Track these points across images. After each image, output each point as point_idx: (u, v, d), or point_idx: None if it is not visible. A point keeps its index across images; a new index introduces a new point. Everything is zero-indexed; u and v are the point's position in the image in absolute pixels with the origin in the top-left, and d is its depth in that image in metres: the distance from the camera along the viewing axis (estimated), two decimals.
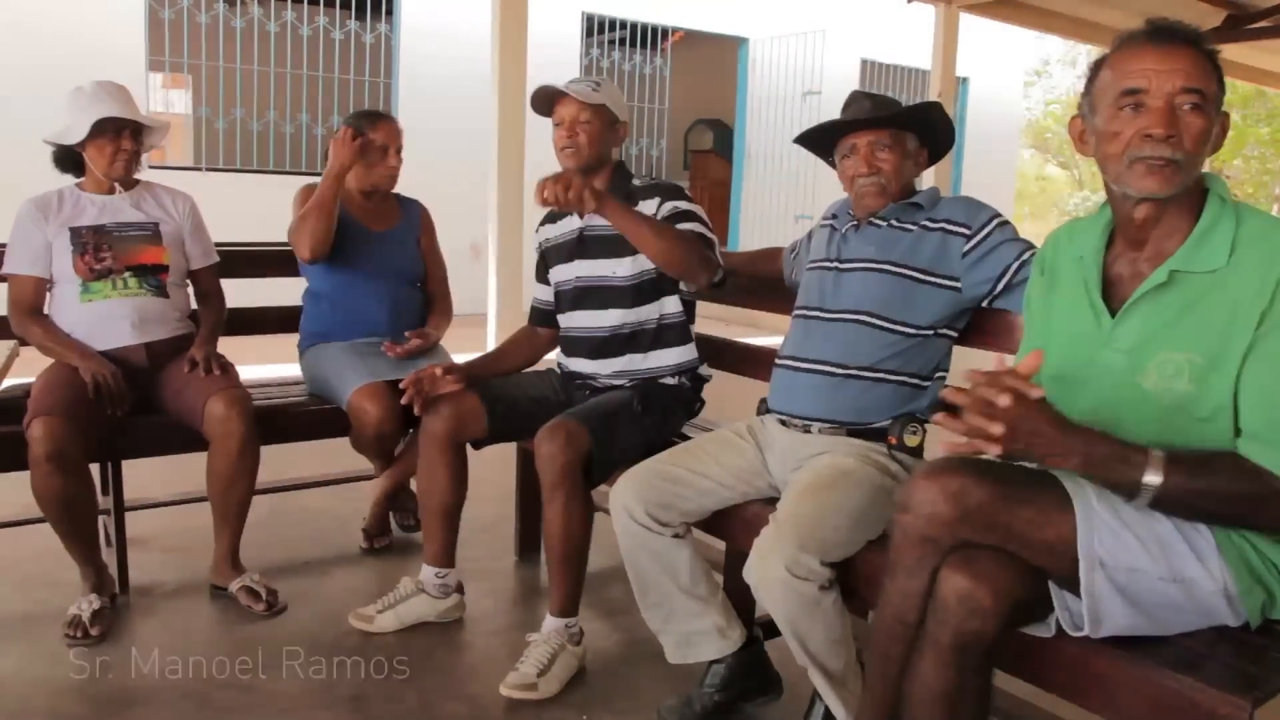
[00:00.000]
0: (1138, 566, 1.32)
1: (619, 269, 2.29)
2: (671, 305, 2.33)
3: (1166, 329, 1.37)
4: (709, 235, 2.20)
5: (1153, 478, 1.27)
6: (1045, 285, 1.57)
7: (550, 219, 2.48)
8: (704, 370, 2.43)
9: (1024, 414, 1.28)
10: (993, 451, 1.29)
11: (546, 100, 2.31)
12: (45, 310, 2.47)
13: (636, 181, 2.34)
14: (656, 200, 2.26)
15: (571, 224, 2.40)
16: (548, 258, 2.47)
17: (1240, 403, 1.32)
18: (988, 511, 1.33)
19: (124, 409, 2.32)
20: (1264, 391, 1.30)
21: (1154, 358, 1.37)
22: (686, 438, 2.27)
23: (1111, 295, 1.45)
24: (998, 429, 1.27)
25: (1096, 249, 1.48)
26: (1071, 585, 1.34)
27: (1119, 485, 1.30)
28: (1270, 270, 1.30)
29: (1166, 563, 1.32)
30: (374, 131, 2.72)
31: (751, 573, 1.71)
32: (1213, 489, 1.29)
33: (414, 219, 2.90)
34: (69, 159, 2.50)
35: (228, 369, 2.45)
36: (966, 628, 1.31)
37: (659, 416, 2.28)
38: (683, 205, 2.25)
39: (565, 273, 2.40)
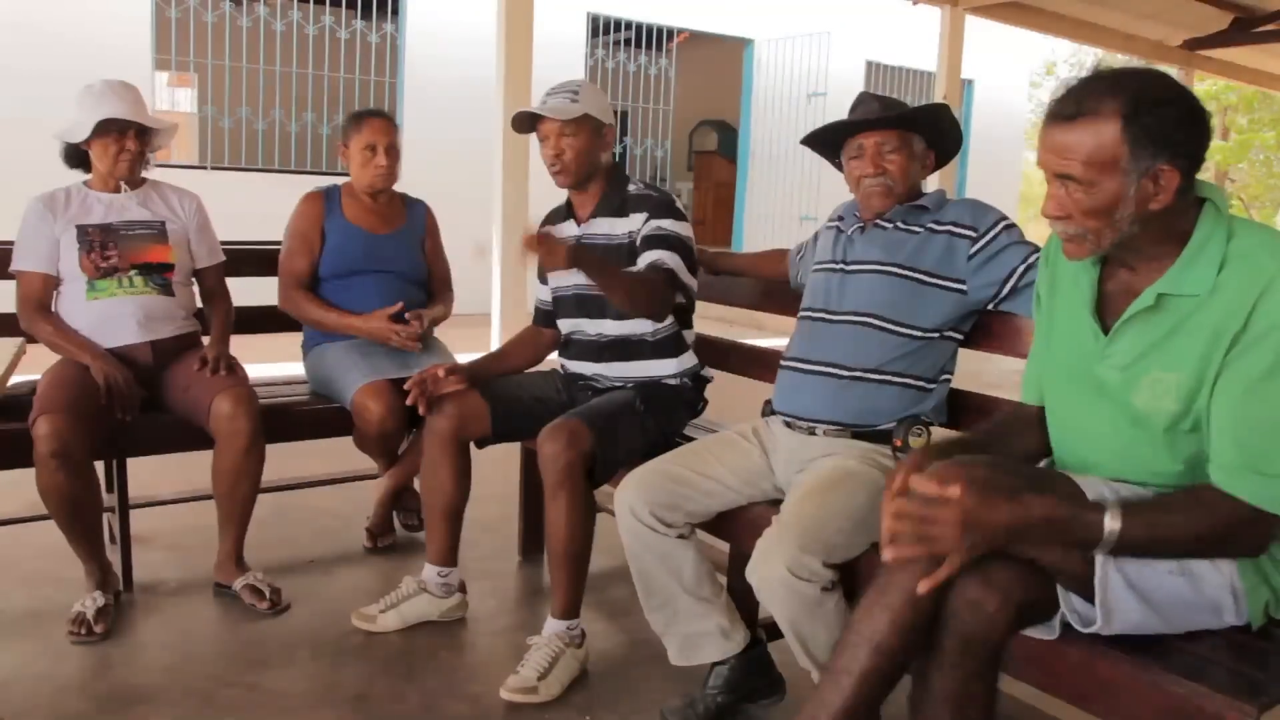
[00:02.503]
0: (1146, 560, 1.32)
1: None
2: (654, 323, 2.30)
3: (1156, 349, 1.37)
4: (673, 268, 2.17)
5: (1112, 524, 1.28)
6: (1049, 280, 1.58)
7: (550, 220, 2.48)
8: (706, 372, 2.42)
9: (965, 503, 1.27)
10: (950, 554, 1.29)
11: (526, 121, 2.28)
12: (52, 308, 2.47)
13: (632, 187, 2.31)
14: (644, 215, 2.24)
15: (569, 230, 2.39)
16: None
17: (1210, 430, 1.32)
18: None
19: (134, 412, 2.33)
20: (1232, 419, 1.30)
21: (1146, 376, 1.37)
22: (690, 438, 2.27)
23: (1105, 311, 1.45)
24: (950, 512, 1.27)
25: (1091, 263, 1.47)
26: (1080, 583, 1.34)
27: (1081, 538, 1.30)
28: (1248, 293, 1.28)
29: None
30: (358, 132, 2.72)
31: (753, 573, 1.71)
32: (1174, 532, 1.30)
33: (419, 220, 2.90)
34: (78, 156, 2.51)
35: (235, 368, 2.46)
36: (972, 631, 1.31)
37: (661, 416, 2.28)
38: (665, 226, 2.21)
39: (564, 278, 2.39)
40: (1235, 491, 1.28)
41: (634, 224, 2.25)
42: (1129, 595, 1.31)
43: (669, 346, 2.32)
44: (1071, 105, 1.31)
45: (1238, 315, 1.28)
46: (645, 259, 2.19)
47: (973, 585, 1.32)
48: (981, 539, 1.29)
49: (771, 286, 2.51)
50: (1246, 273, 1.29)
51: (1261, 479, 1.27)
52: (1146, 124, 1.27)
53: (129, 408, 2.31)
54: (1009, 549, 1.33)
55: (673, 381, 2.34)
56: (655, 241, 2.20)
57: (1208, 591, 1.34)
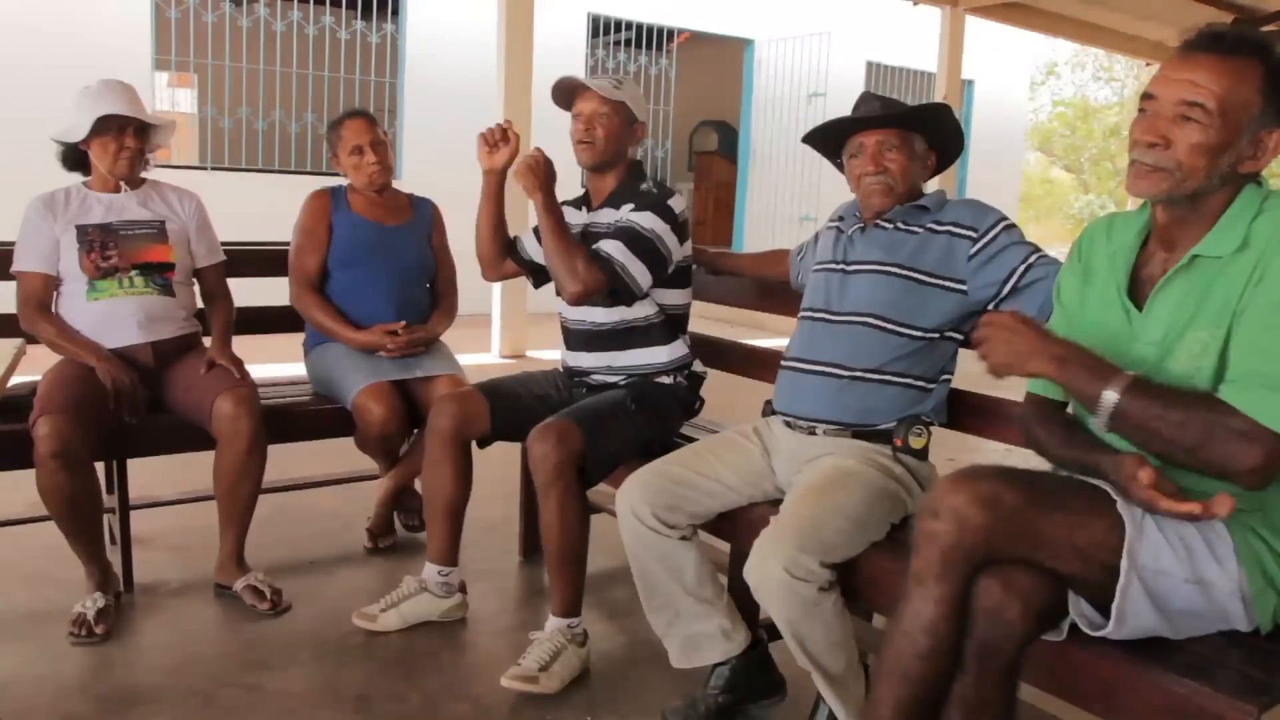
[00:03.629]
0: (1164, 569, 1.32)
1: None
2: (642, 309, 2.31)
3: (1189, 314, 1.38)
4: (614, 258, 2.18)
5: (1111, 394, 1.30)
6: (1080, 273, 1.58)
7: (570, 205, 2.48)
8: (698, 367, 2.42)
9: (1002, 321, 1.38)
10: (983, 358, 1.39)
11: (567, 93, 2.32)
12: (52, 309, 2.47)
13: (644, 185, 2.32)
14: (631, 206, 2.26)
15: (578, 217, 2.40)
16: None
17: (1229, 356, 1.33)
18: (1021, 518, 1.31)
19: (141, 413, 2.33)
20: (1247, 343, 1.31)
21: (1180, 342, 1.38)
22: (687, 438, 2.27)
23: (1139, 294, 1.46)
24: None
25: (1131, 247, 1.49)
26: (1093, 590, 1.33)
27: (1084, 395, 1.34)
28: (1270, 242, 1.32)
29: (1190, 564, 1.32)
30: (340, 138, 2.75)
31: (751, 573, 1.71)
32: (1168, 414, 1.29)
33: (425, 216, 2.91)
34: (76, 158, 2.51)
35: (238, 368, 2.46)
36: (990, 637, 1.31)
37: (654, 415, 2.28)
38: (635, 219, 2.22)
39: None
40: (1240, 405, 1.27)
41: (622, 212, 2.27)
42: (1144, 603, 1.31)
43: (657, 334, 2.32)
44: (1225, 42, 1.33)
45: (1260, 263, 1.31)
46: (597, 245, 2.22)
47: (994, 592, 1.31)
48: (1004, 342, 1.37)
49: (772, 287, 2.51)
50: (1270, 229, 1.33)
51: (1270, 394, 1.26)
52: (1272, 81, 1.32)
53: (136, 409, 2.31)
54: (1031, 556, 1.32)
55: (666, 380, 2.34)
56: (615, 231, 2.23)
57: (1218, 599, 1.33)
